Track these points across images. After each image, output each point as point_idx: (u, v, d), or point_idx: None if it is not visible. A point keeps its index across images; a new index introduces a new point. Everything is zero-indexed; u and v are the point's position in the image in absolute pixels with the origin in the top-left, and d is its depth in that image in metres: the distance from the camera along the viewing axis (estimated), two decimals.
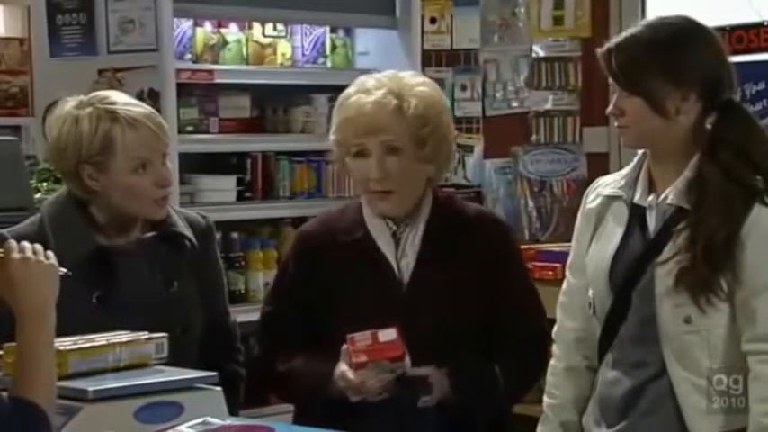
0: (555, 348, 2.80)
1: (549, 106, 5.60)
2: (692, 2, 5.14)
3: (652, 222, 2.62)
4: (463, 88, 5.71)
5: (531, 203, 5.60)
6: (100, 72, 4.12)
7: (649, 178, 2.65)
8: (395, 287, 2.79)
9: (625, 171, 2.70)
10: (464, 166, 5.70)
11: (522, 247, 5.13)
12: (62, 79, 2.90)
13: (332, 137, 2.85)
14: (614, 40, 2.65)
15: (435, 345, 2.73)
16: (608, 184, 2.71)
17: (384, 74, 2.85)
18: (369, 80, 2.82)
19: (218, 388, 2.39)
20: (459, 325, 2.79)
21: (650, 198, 2.63)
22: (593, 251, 2.69)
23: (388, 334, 2.65)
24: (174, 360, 2.48)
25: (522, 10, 5.59)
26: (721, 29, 5.05)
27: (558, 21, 5.55)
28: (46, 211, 2.84)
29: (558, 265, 4.75)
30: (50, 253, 2.29)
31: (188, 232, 2.86)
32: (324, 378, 2.73)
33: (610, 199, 2.69)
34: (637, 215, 2.64)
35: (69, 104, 2.79)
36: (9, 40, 5.91)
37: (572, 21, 5.53)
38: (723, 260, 2.50)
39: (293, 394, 2.86)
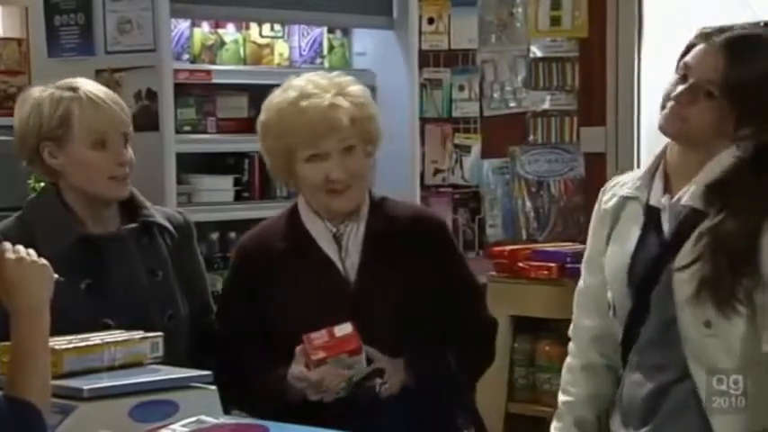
0: (571, 346, 2.79)
1: (546, 106, 5.61)
2: (690, 2, 5.16)
3: (666, 224, 2.59)
4: (461, 88, 5.72)
5: (528, 203, 5.61)
6: (98, 72, 4.11)
7: (665, 179, 2.62)
8: (342, 287, 2.84)
9: (641, 172, 2.67)
10: (462, 166, 5.71)
11: (519, 246, 5.19)
12: (60, 79, 2.90)
13: (274, 143, 2.87)
14: (732, 34, 2.55)
15: (388, 340, 2.77)
16: (624, 184, 2.69)
17: (315, 75, 2.90)
18: (306, 84, 2.85)
19: (213, 387, 2.41)
20: (409, 319, 2.83)
21: (664, 199, 2.60)
22: (610, 253, 2.67)
23: (344, 328, 2.71)
24: (166, 348, 2.51)
25: (520, 10, 5.60)
26: None
27: (555, 21, 5.55)
28: (26, 208, 2.89)
29: (552, 264, 4.77)
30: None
31: (167, 224, 2.90)
32: (280, 388, 2.76)
33: (626, 199, 2.66)
34: (652, 216, 2.61)
35: (33, 90, 2.88)
36: (7, 41, 5.90)
37: (569, 21, 5.54)
38: (745, 266, 2.46)
39: (251, 408, 2.82)
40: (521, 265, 4.89)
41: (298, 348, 2.74)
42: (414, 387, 2.79)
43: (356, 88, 2.88)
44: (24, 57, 5.77)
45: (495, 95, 5.68)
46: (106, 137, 2.82)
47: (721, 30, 2.55)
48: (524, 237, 5.54)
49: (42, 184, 3.43)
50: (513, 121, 5.65)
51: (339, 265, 2.86)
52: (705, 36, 2.56)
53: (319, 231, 2.89)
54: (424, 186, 5.39)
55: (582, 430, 2.76)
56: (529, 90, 5.61)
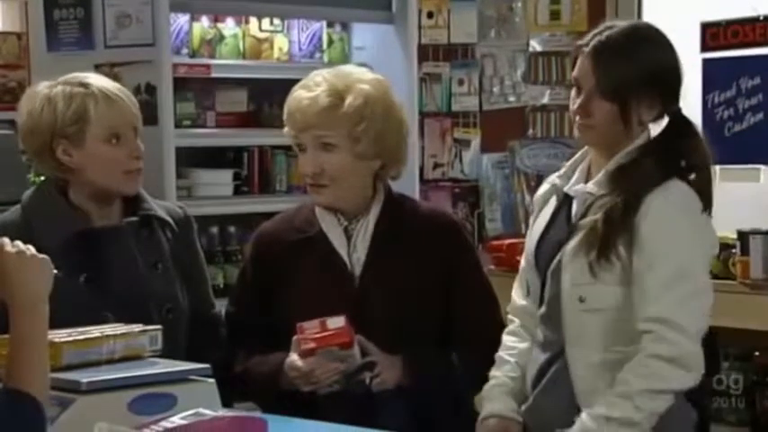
0: (511, 317, 2.89)
1: (545, 101, 5.62)
2: None
3: (574, 210, 2.71)
4: (460, 83, 5.72)
5: (527, 198, 5.61)
6: (97, 67, 4.11)
7: (588, 170, 2.74)
8: (347, 281, 2.85)
9: (568, 163, 2.80)
10: (461, 161, 5.71)
11: (517, 240, 5.19)
12: (59, 74, 2.91)
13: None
14: (600, 39, 2.68)
15: (389, 336, 2.78)
16: (554, 175, 2.82)
17: (333, 69, 2.93)
18: (316, 76, 2.89)
19: (212, 380, 2.41)
20: (413, 316, 2.84)
21: (577, 187, 2.72)
22: (527, 236, 2.83)
23: (337, 321, 2.72)
24: (165, 340, 2.51)
25: (519, 4, 5.61)
26: (717, 23, 5.08)
27: (554, 15, 5.57)
28: (26, 200, 2.88)
29: None
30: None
31: (167, 218, 2.91)
32: (275, 370, 2.78)
33: (552, 188, 2.79)
34: (566, 203, 2.74)
35: (40, 86, 2.86)
36: (7, 35, 5.92)
37: (569, 15, 5.55)
38: (619, 224, 2.58)
39: (250, 391, 2.88)
40: (519, 258, 4.89)
41: (294, 337, 2.76)
42: (411, 385, 2.79)
43: (362, 88, 2.86)
44: (24, 51, 5.78)
45: (495, 90, 5.69)
46: (120, 131, 2.82)
47: (591, 37, 2.69)
48: (523, 231, 5.54)
49: (42, 178, 3.43)
50: (512, 115, 5.66)
51: (346, 260, 2.87)
52: (579, 47, 2.70)
53: (330, 225, 2.90)
54: (423, 181, 5.40)
55: (517, 374, 2.80)
56: (528, 84, 5.63)
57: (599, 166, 2.71)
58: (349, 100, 2.83)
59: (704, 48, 5.09)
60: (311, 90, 2.85)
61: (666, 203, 2.60)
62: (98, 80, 2.87)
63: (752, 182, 4.98)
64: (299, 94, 2.87)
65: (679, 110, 2.72)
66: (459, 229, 3.02)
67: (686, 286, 2.57)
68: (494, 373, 2.82)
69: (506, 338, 2.86)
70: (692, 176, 2.65)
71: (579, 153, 2.79)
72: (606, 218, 2.59)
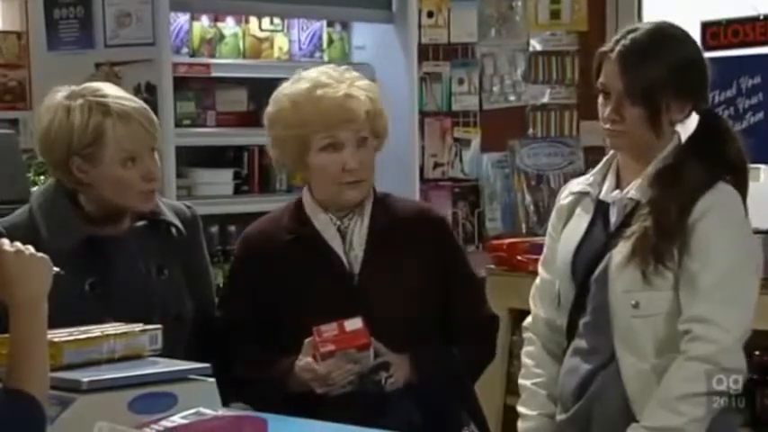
0: (530, 335, 2.86)
1: (546, 100, 5.62)
2: None
3: (614, 216, 2.69)
4: (460, 82, 5.71)
5: (528, 197, 5.61)
6: (97, 66, 4.13)
7: (617, 175, 2.72)
8: (347, 280, 2.85)
9: (595, 170, 2.77)
10: (461, 160, 5.70)
11: (517, 240, 5.20)
12: (59, 73, 2.91)
13: (286, 133, 2.87)
14: (624, 43, 2.66)
15: (392, 334, 2.78)
16: (578, 183, 2.80)
17: (327, 68, 2.92)
18: (320, 75, 2.87)
19: (212, 379, 2.41)
20: (413, 313, 2.85)
21: (614, 193, 2.70)
22: (560, 245, 2.76)
23: (354, 323, 2.72)
24: (168, 347, 2.50)
25: (519, 4, 5.60)
26: (717, 23, 5.08)
27: (554, 14, 5.56)
28: (35, 202, 2.87)
29: None
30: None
31: (176, 221, 2.90)
32: (284, 374, 2.77)
33: (579, 196, 2.76)
34: (601, 210, 2.71)
35: (60, 94, 2.81)
36: (7, 34, 5.93)
37: (569, 14, 5.54)
38: (673, 230, 2.56)
39: (252, 397, 2.82)
40: (519, 258, 4.90)
41: (307, 340, 2.76)
42: (418, 382, 2.80)
43: (366, 83, 2.91)
44: (24, 50, 5.79)
45: (495, 89, 5.68)
46: (136, 154, 2.79)
47: (615, 42, 2.68)
48: (524, 230, 5.54)
49: (42, 177, 3.43)
50: (512, 114, 5.65)
51: (343, 259, 2.87)
52: (603, 53, 2.69)
53: (324, 224, 2.89)
54: (423, 180, 5.39)
55: (552, 410, 2.79)
56: (528, 84, 5.62)
57: (631, 171, 2.69)
58: (371, 96, 2.88)
59: (704, 47, 5.07)
60: (334, 87, 2.84)
61: (720, 206, 2.59)
62: (117, 98, 2.80)
63: (752, 181, 4.96)
64: (325, 93, 2.82)
65: (709, 108, 2.71)
66: (447, 224, 3.09)
67: (734, 288, 2.56)
68: (526, 411, 2.81)
69: (528, 362, 2.84)
70: (729, 177, 2.64)
71: (604, 159, 2.77)
72: (657, 224, 2.57)
